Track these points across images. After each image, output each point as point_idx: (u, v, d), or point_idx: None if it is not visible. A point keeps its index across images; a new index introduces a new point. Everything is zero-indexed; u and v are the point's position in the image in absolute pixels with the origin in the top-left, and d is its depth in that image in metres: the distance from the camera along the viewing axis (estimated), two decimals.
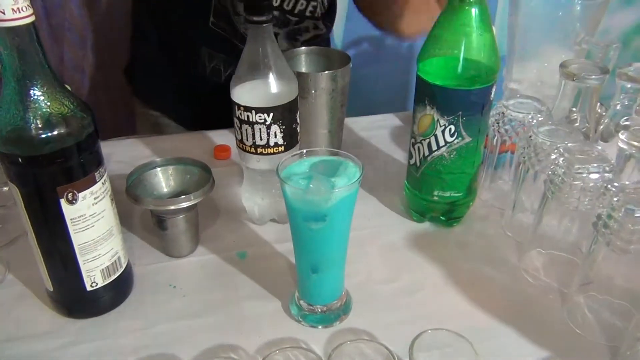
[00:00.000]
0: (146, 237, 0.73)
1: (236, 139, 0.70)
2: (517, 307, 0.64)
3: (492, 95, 0.67)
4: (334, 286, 0.60)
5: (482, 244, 0.73)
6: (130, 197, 0.65)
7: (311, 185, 0.52)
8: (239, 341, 0.59)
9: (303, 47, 0.80)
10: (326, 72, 0.76)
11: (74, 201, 0.54)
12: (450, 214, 0.74)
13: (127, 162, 0.82)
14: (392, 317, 0.62)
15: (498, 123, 0.73)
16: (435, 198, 0.72)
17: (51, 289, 0.60)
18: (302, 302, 0.61)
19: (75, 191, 0.54)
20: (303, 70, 0.82)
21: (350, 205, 0.55)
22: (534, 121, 0.70)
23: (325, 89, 0.77)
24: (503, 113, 0.73)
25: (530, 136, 0.67)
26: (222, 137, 0.95)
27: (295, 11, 0.94)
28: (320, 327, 0.60)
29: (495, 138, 0.75)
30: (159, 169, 0.69)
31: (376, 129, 0.98)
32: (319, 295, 0.60)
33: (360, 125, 1.00)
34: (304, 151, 0.56)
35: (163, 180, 0.70)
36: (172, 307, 0.63)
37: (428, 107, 0.66)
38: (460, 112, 0.65)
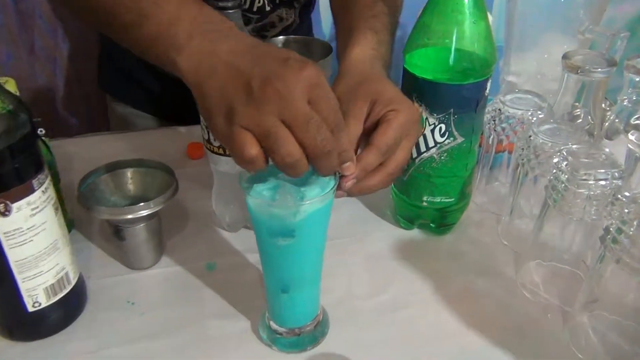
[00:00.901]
0: (106, 247, 0.66)
1: (203, 138, 0.63)
2: (513, 326, 0.57)
3: (487, 91, 0.60)
4: (307, 307, 0.53)
5: (476, 254, 0.66)
6: (82, 205, 0.58)
7: (277, 197, 0.45)
8: None
9: (280, 37, 0.72)
10: None
11: (6, 213, 0.47)
12: (441, 221, 0.67)
13: (92, 161, 0.75)
14: (374, 337, 0.56)
15: (494, 120, 0.67)
16: (425, 204, 0.65)
17: None
18: (272, 323, 0.54)
19: (7, 202, 0.47)
20: None
21: (324, 218, 0.48)
22: (534, 119, 0.63)
23: None
24: (499, 109, 0.66)
25: (530, 136, 0.60)
26: (197, 134, 0.87)
27: (254, 9, 0.86)
28: (291, 352, 0.54)
29: (491, 137, 0.68)
30: (117, 172, 0.62)
31: None
32: (290, 317, 0.53)
33: None
34: None
35: (122, 184, 0.63)
36: (129, 327, 0.57)
37: (415, 104, 0.59)
38: (452, 110, 0.58)
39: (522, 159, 0.60)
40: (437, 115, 0.59)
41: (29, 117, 0.48)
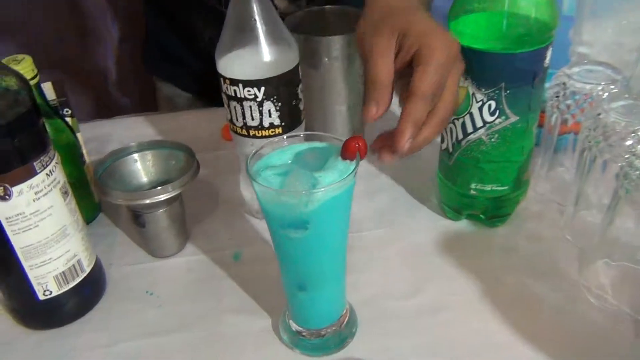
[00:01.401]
0: (131, 233, 0.63)
1: (227, 118, 0.58)
2: (574, 338, 0.49)
3: (547, 61, 0.51)
4: (329, 307, 0.47)
5: (533, 251, 0.58)
6: (98, 189, 0.55)
7: (287, 183, 0.40)
8: None
9: (315, 8, 0.66)
10: (339, 35, 0.62)
11: (6, 197, 0.45)
12: (492, 212, 0.59)
13: (125, 142, 0.72)
14: (408, 343, 0.49)
15: (557, 97, 0.57)
16: (473, 192, 0.57)
17: (2, 297, 0.52)
18: (292, 322, 0.49)
19: (6, 185, 0.44)
20: (311, 33, 0.69)
21: (342, 208, 0.42)
22: (605, 94, 0.54)
23: (340, 57, 0.63)
24: (564, 84, 0.57)
25: (599, 114, 0.51)
26: None
27: None
28: (313, 356, 0.48)
29: (554, 116, 0.59)
30: (136, 155, 0.59)
31: None
32: (310, 317, 0.47)
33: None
34: (285, 136, 0.43)
35: (141, 168, 0.59)
36: (144, 320, 0.53)
37: (461, 78, 0.52)
38: (503, 84, 0.50)
39: (589, 141, 0.51)
40: (485, 90, 0.51)
41: (29, 94, 0.45)
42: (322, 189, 0.39)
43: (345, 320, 0.49)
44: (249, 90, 0.53)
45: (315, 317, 0.47)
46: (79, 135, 0.67)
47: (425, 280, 0.55)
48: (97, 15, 1.17)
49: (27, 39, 1.12)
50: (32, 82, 0.56)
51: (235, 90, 0.54)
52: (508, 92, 0.50)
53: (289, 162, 0.43)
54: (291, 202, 0.39)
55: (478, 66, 0.50)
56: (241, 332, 0.51)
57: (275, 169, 0.41)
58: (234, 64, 0.53)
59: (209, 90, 0.93)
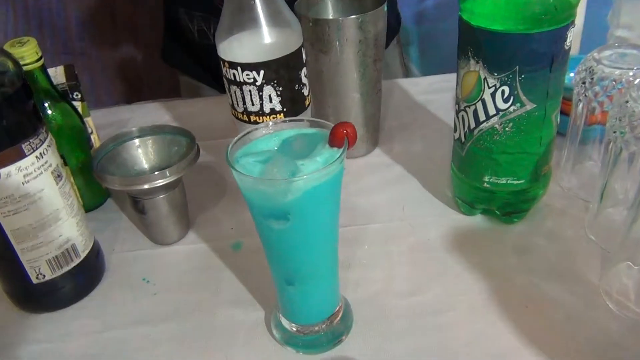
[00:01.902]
0: (137, 220, 0.62)
1: (228, 103, 0.56)
2: (590, 347, 0.45)
3: (568, 42, 0.46)
4: (319, 302, 0.45)
5: (551, 251, 0.53)
6: (95, 174, 0.54)
7: (266, 171, 0.37)
8: None
9: None
10: (351, 17, 0.59)
11: None
12: (508, 208, 0.55)
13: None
14: (405, 345, 0.46)
15: (584, 83, 0.53)
16: (486, 185, 0.53)
17: None
18: (282, 318, 0.47)
19: None
20: (323, 16, 0.66)
21: (327, 199, 0.39)
22: (637, 80, 0.48)
23: (351, 40, 0.60)
24: (592, 69, 0.52)
25: (627, 101, 0.46)
26: None
27: None
28: (302, 353, 0.46)
29: (581, 105, 0.54)
30: (137, 140, 0.58)
31: (436, 92, 0.79)
32: (299, 312, 0.45)
33: (420, 88, 0.81)
34: (270, 123, 0.41)
35: (143, 153, 0.58)
36: (137, 308, 0.52)
37: (472, 61, 0.48)
38: (517, 68, 0.46)
39: (614, 132, 0.47)
40: (498, 75, 0.47)
41: (19, 72, 0.44)
42: (303, 177, 0.36)
43: (339, 317, 0.46)
44: (247, 74, 0.51)
45: (304, 312, 0.45)
46: (88, 120, 0.67)
47: (431, 278, 0.52)
48: (126, 2, 1.17)
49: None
50: (36, 65, 0.56)
51: (234, 74, 0.52)
52: (523, 76, 0.46)
53: (275, 149, 0.40)
54: (270, 191, 0.37)
55: (490, 48, 0.46)
56: (234, 325, 0.50)
57: (256, 156, 0.39)
58: (232, 47, 0.51)
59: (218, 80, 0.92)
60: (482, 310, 0.48)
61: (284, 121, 0.41)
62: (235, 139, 0.40)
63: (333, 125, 0.38)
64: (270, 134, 0.41)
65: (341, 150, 0.38)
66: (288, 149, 0.40)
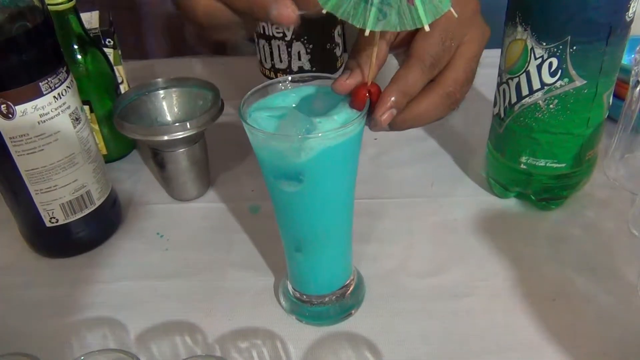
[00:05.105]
0: (158, 174, 0.61)
1: (257, 59, 0.54)
2: (620, 348, 0.41)
3: (631, 13, 0.41)
4: (328, 272, 0.43)
5: (588, 243, 0.49)
6: (115, 123, 0.53)
7: (280, 127, 0.35)
8: (203, 322, 0.45)
9: None
10: None
11: (9, 115, 0.43)
12: (544, 193, 0.51)
13: None
14: (418, 327, 0.44)
15: None
16: (523, 167, 0.49)
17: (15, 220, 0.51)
18: (290, 286, 0.45)
19: (9, 102, 0.43)
20: None
21: (344, 162, 0.36)
22: None
23: None
24: None
25: None
26: None
27: None
28: (304, 322, 0.44)
29: (638, 88, 0.49)
30: (161, 91, 0.56)
31: (484, 66, 0.74)
32: (307, 281, 0.43)
33: None
34: (289, 77, 0.38)
35: (166, 105, 0.56)
36: (148, 261, 0.51)
37: (519, 28, 0.44)
38: (569, 38, 0.41)
39: None
40: (546, 44, 0.42)
41: (42, 10, 0.43)
42: (318, 135, 0.33)
43: (349, 290, 0.44)
44: (277, 27, 0.48)
45: (312, 282, 0.43)
46: (119, 68, 0.66)
47: (452, 260, 0.49)
48: None
49: None
50: (67, 6, 0.55)
51: (263, 27, 0.49)
52: (575, 48, 0.42)
53: (293, 105, 0.37)
54: (282, 148, 0.34)
55: (539, 13, 0.42)
56: (241, 288, 0.48)
57: (271, 111, 0.36)
58: None
59: None
60: (504, 299, 0.45)
61: (305, 76, 0.38)
62: (250, 92, 0.37)
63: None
64: (289, 90, 0.38)
65: (362, 112, 0.35)
66: (306, 106, 0.37)
